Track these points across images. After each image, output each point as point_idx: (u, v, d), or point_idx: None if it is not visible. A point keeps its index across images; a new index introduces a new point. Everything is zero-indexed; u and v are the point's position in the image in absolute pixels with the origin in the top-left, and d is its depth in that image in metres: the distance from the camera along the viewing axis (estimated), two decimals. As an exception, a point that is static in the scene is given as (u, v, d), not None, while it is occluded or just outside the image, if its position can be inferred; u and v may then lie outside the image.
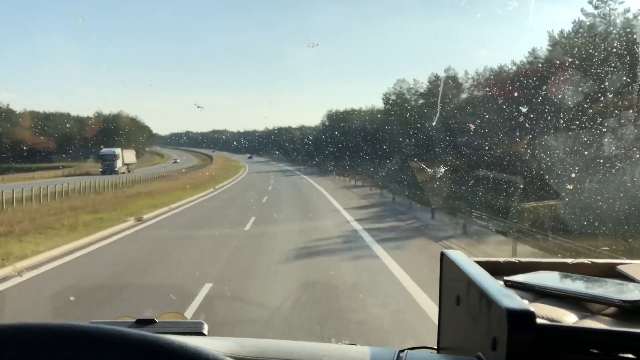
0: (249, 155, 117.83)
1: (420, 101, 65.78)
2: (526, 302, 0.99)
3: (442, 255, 1.34)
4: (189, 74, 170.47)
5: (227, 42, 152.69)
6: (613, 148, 20.33)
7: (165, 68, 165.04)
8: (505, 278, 1.23)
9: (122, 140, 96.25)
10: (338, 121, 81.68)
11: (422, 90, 67.35)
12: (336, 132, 74.23)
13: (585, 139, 21.76)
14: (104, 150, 69.62)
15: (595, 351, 0.91)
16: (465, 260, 1.24)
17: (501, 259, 1.38)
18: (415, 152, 45.40)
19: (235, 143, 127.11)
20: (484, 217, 20.48)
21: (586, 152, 20.90)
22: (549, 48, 46.59)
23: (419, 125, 49.41)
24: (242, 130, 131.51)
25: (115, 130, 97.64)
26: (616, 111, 23.49)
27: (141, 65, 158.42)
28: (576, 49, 43.70)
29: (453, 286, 1.24)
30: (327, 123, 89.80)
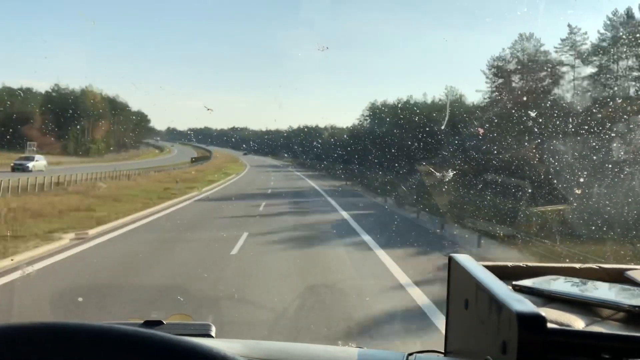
0: (244, 152, 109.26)
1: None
2: (535, 306, 0.99)
3: (450, 259, 1.34)
4: (213, 73, 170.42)
5: (250, 43, 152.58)
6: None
7: (190, 67, 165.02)
8: (514, 282, 1.23)
9: (88, 125, 77.50)
10: (387, 117, 59.71)
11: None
12: (385, 132, 53.52)
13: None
14: None
15: (605, 356, 0.91)
16: (474, 264, 1.25)
17: (509, 264, 1.38)
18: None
19: (244, 144, 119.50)
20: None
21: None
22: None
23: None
24: (264, 129, 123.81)
25: (76, 109, 75.02)
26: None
27: (167, 65, 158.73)
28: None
29: (461, 290, 1.24)
30: (367, 120, 70.42)
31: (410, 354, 1.30)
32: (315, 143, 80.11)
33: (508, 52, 49.13)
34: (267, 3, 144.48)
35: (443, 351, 1.40)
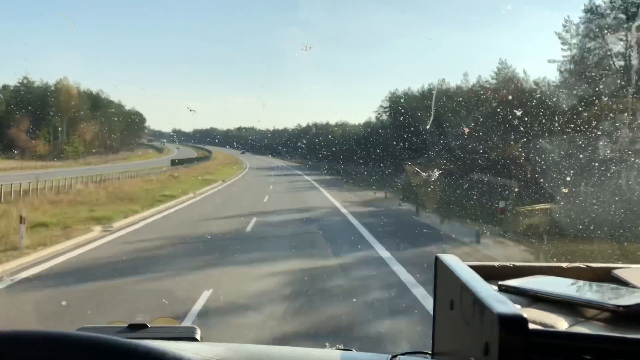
0: (241, 150, 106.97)
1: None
2: (519, 307, 0.99)
3: (436, 259, 1.33)
4: (220, 75, 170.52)
5: (253, 43, 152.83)
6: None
7: (197, 69, 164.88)
8: (500, 283, 1.22)
9: (62, 124, 66.27)
10: (415, 107, 48.57)
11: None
12: (415, 123, 42.77)
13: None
14: None
15: (587, 357, 0.91)
16: (459, 264, 1.24)
17: (495, 263, 1.37)
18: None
19: (252, 144, 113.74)
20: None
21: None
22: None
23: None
24: (271, 128, 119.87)
25: (47, 106, 63.93)
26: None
27: (174, 68, 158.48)
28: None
29: (447, 290, 1.24)
30: (387, 113, 61.91)
31: (394, 356, 1.29)
32: (326, 141, 69.33)
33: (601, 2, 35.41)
34: (267, 3, 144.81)
35: (430, 352, 1.39)
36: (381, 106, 64.55)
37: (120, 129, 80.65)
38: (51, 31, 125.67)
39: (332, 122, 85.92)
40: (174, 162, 60.14)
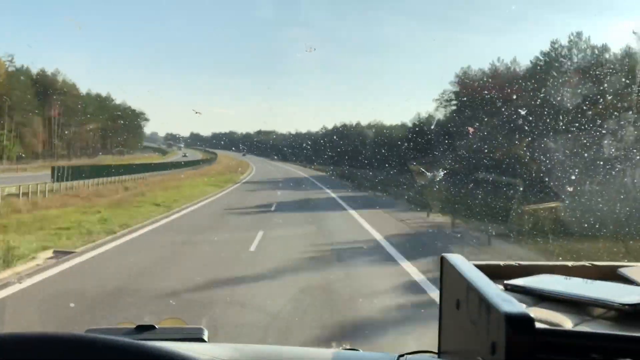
0: (243, 152, 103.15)
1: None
2: (525, 306, 0.99)
3: (442, 258, 1.34)
4: (236, 77, 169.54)
5: (270, 47, 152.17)
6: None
7: (213, 73, 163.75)
8: (505, 282, 1.23)
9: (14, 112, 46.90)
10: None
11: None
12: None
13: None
14: None
15: (595, 355, 0.91)
16: (465, 264, 1.24)
17: (501, 263, 1.37)
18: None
19: (272, 147, 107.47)
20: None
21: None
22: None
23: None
24: (293, 131, 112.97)
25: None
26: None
27: (189, 71, 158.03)
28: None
29: (453, 290, 1.24)
30: (453, 101, 47.94)
31: (402, 355, 1.30)
32: (369, 145, 53.00)
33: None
34: (279, 8, 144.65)
35: (437, 351, 1.39)
36: (445, 91, 49.34)
37: (105, 127, 64.70)
38: (62, 32, 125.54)
39: (363, 123, 67.25)
40: (58, 177, 31.39)
